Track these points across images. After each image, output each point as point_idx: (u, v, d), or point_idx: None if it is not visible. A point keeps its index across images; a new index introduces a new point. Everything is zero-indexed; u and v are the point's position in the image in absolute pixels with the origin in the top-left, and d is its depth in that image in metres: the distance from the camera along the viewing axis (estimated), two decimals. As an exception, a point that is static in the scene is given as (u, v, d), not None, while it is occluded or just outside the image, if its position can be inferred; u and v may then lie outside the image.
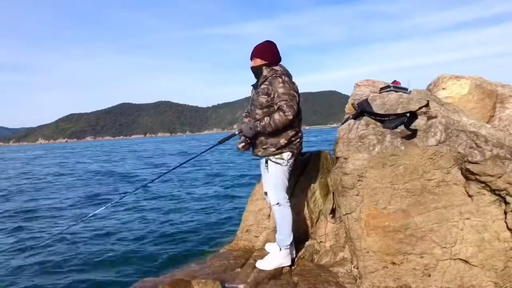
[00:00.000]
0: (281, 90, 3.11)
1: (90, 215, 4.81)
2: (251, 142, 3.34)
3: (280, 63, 3.41)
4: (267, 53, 3.35)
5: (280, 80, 3.15)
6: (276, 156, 3.26)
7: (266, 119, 3.15)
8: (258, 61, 3.34)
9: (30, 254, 6.20)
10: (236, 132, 3.37)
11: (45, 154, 53.99)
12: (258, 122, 3.21)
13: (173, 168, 4.12)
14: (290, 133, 3.24)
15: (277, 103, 3.12)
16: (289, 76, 3.29)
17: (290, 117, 3.06)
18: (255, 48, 3.39)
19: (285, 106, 3.07)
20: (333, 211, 3.73)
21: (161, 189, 12.79)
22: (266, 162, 3.32)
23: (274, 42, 3.44)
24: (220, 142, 3.44)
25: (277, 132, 3.17)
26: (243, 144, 3.31)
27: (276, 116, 3.08)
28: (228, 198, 10.43)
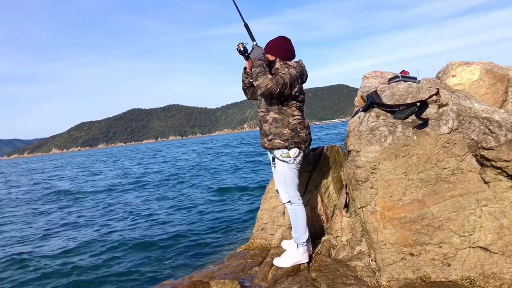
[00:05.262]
0: (281, 72, 3.09)
1: None
2: (246, 56, 3.25)
3: (297, 59, 3.36)
4: (278, 48, 3.31)
5: (287, 69, 3.12)
6: (283, 155, 3.24)
7: (267, 72, 3.07)
8: (270, 57, 3.31)
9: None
10: (254, 43, 3.24)
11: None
12: (264, 63, 3.10)
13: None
14: (292, 121, 3.21)
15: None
16: (300, 72, 3.22)
17: (271, 85, 2.96)
18: (267, 44, 3.36)
19: (278, 78, 3.01)
20: (347, 205, 3.71)
21: (172, 190, 12.90)
22: (273, 160, 3.31)
23: (288, 37, 3.38)
24: (245, 25, 3.25)
25: (260, 82, 3.01)
26: (241, 49, 3.21)
27: (269, 75, 3.01)
28: (242, 197, 10.45)
